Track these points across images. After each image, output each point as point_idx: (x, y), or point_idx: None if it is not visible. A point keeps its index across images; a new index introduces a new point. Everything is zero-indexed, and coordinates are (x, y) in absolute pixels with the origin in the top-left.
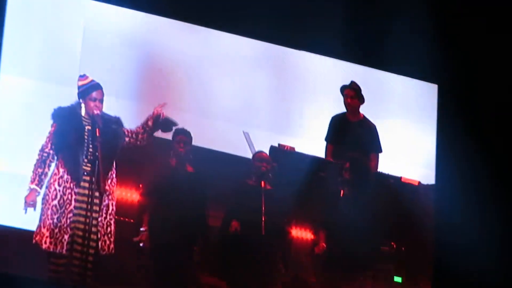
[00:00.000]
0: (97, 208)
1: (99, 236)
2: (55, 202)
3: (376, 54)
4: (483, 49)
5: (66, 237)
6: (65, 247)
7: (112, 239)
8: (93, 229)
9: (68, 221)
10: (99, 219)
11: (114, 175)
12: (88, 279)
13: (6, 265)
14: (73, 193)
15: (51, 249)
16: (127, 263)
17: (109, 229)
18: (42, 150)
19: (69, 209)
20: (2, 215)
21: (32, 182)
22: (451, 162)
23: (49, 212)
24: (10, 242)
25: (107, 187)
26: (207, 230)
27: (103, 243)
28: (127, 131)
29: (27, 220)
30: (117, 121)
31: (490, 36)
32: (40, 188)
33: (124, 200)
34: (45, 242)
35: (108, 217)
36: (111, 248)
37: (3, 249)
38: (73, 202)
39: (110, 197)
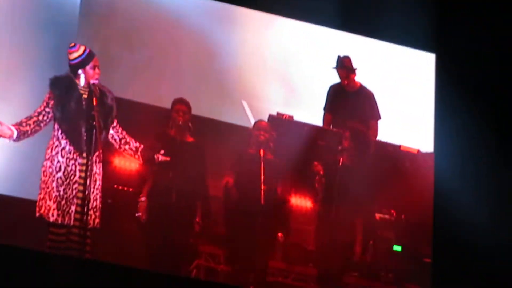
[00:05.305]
0: (96, 179)
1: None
2: (60, 174)
3: (373, 24)
4: (480, 17)
5: (73, 208)
6: (72, 218)
7: (97, 214)
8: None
9: (74, 192)
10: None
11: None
12: (87, 249)
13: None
14: (77, 164)
15: (60, 221)
16: (125, 235)
17: (95, 203)
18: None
19: (73, 180)
20: None
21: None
22: (449, 130)
23: (54, 185)
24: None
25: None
26: (207, 201)
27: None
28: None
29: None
30: (112, 98)
31: (488, 3)
32: (17, 131)
33: (123, 169)
34: (53, 215)
35: (95, 191)
36: (96, 223)
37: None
38: (77, 172)
39: (98, 171)
